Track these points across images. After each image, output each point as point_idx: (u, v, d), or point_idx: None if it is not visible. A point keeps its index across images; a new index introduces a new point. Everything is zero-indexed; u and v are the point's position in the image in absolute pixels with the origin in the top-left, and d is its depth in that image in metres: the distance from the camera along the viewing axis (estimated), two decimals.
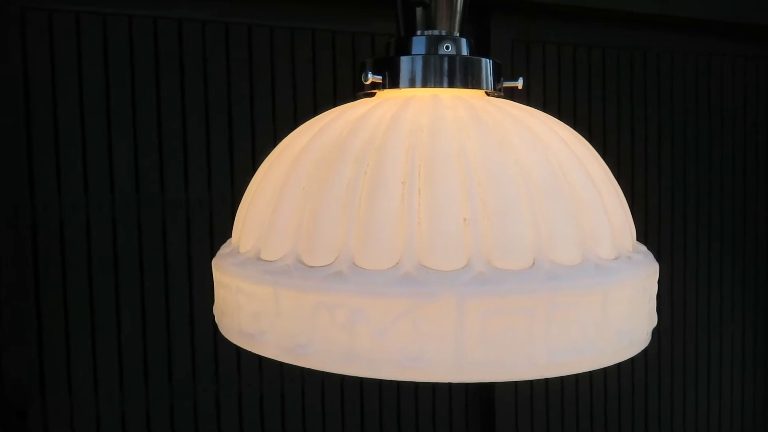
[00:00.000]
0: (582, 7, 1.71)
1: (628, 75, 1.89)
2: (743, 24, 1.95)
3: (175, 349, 1.45)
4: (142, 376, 1.43)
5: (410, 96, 0.51)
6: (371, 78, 0.52)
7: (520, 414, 1.79)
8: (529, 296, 0.42)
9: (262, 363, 1.52)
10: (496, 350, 0.42)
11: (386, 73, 0.52)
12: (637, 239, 0.52)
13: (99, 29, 1.37)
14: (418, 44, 0.52)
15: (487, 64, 0.52)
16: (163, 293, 1.44)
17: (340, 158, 0.46)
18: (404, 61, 0.52)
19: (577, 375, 1.80)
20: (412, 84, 0.52)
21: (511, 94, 0.55)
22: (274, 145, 0.54)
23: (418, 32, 0.53)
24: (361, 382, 1.60)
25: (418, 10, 0.52)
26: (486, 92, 0.53)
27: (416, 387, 1.68)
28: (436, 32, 0.52)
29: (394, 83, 0.52)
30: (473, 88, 0.52)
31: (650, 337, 0.50)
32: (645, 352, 0.50)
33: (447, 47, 0.52)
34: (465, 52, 0.52)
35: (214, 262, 0.54)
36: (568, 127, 0.52)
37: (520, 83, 0.55)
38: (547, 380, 1.79)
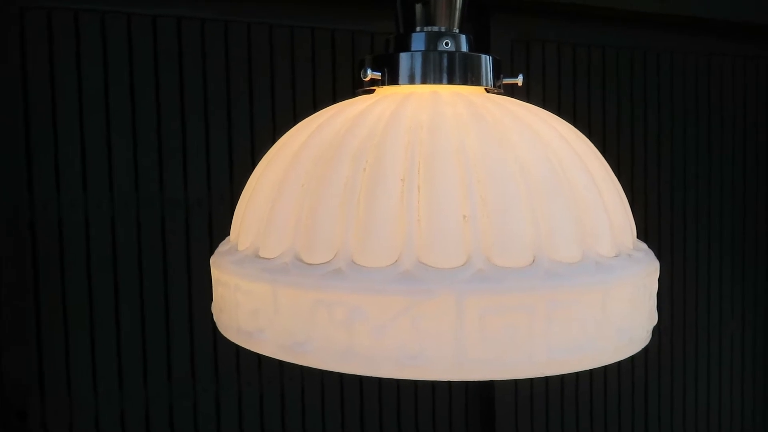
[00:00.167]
0: (582, 6, 1.71)
1: (628, 74, 1.88)
2: (743, 24, 1.95)
3: (174, 347, 1.45)
4: (141, 374, 1.43)
5: (409, 93, 0.50)
6: (370, 75, 0.52)
7: (520, 414, 1.79)
8: (528, 294, 0.42)
9: (261, 362, 1.51)
10: (496, 348, 0.42)
11: (385, 70, 0.51)
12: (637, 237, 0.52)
13: (98, 27, 1.37)
14: (418, 41, 0.52)
15: (486, 61, 0.52)
16: (162, 292, 1.43)
17: (338, 155, 0.46)
18: (403, 58, 0.51)
19: (576, 374, 1.80)
20: (411, 80, 0.51)
21: (512, 93, 0.55)
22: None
23: (418, 29, 0.52)
24: (361, 381, 1.59)
25: (418, 7, 0.52)
26: (486, 89, 0.53)
27: (416, 386, 1.67)
28: (435, 29, 0.52)
29: (393, 80, 0.51)
30: (473, 84, 0.52)
31: (650, 336, 0.50)
32: (645, 350, 0.50)
33: (446, 43, 0.51)
34: (464, 48, 0.52)
35: (212, 259, 0.54)
36: (568, 124, 0.52)
37: (520, 80, 0.55)
38: (547, 380, 1.79)
